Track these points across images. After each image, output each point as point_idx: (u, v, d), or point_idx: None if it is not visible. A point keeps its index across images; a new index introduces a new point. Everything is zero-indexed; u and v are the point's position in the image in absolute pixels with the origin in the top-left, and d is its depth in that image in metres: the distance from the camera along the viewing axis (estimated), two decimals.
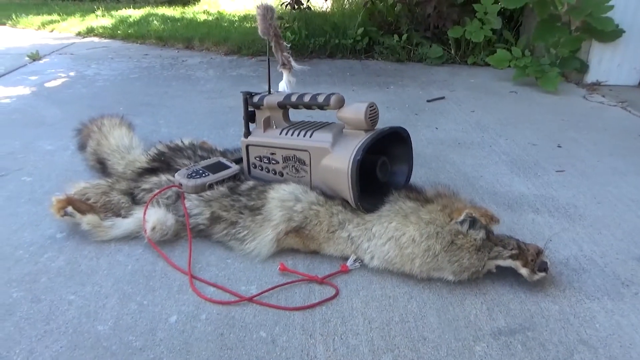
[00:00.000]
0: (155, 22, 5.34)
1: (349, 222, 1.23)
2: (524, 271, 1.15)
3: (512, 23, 3.99)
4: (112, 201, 1.38)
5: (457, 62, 3.83)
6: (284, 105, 1.37)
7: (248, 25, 5.01)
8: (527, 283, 1.17)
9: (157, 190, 1.36)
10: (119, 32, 5.00)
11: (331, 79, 3.27)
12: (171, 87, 2.97)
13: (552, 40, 3.16)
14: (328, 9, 4.57)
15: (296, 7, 4.19)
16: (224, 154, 1.59)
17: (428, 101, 2.76)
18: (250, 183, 1.38)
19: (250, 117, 1.43)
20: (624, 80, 3.23)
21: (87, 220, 1.30)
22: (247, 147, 1.44)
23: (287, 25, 3.90)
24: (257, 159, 1.43)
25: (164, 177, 1.42)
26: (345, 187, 1.20)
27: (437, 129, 2.30)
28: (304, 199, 1.27)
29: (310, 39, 3.88)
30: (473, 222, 1.16)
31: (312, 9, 4.44)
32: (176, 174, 1.39)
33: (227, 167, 1.46)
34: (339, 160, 1.22)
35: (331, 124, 1.36)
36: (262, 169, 1.43)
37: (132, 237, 1.33)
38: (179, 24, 5.17)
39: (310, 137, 1.30)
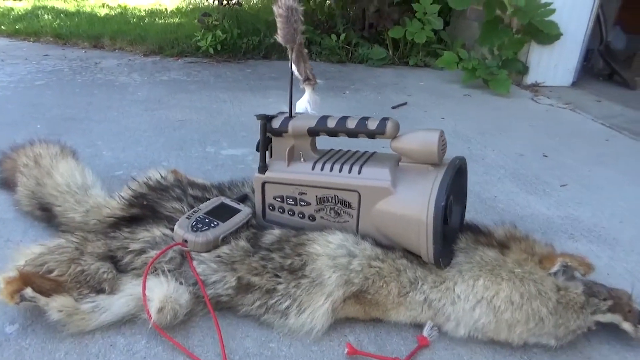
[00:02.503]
0: (46, 16, 4.60)
1: (422, 281, 0.98)
2: (626, 326, 0.98)
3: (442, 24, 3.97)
4: (86, 271, 0.99)
5: (396, 63, 3.72)
6: (317, 132, 1.08)
7: (161, 21, 4.51)
8: (619, 335, 1.00)
9: (154, 253, 1.01)
10: (2, 27, 4.23)
11: (277, 83, 2.98)
12: (94, 97, 2.48)
13: (499, 43, 3.15)
14: (260, 5, 4.23)
15: (224, 2, 3.80)
16: (221, 190, 1.26)
17: (393, 108, 2.58)
18: (276, 233, 1.07)
19: (265, 147, 1.12)
20: (559, 81, 3.32)
21: (58, 306, 0.91)
22: (263, 184, 1.12)
23: (216, 22, 3.51)
24: (278, 199, 1.12)
25: (157, 232, 1.06)
26: (418, 239, 0.95)
27: None
28: (359, 252, 0.99)
29: (242, 39, 3.53)
30: (565, 272, 0.98)
31: (243, 5, 4.07)
32: (176, 226, 1.04)
33: (235, 210, 1.13)
34: (408, 206, 0.96)
35: (377, 155, 1.10)
36: (283, 211, 1.13)
37: (123, 321, 0.96)
38: (76, 19, 4.50)
39: (358, 173, 1.03)
